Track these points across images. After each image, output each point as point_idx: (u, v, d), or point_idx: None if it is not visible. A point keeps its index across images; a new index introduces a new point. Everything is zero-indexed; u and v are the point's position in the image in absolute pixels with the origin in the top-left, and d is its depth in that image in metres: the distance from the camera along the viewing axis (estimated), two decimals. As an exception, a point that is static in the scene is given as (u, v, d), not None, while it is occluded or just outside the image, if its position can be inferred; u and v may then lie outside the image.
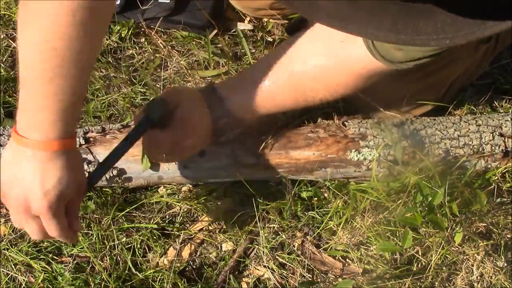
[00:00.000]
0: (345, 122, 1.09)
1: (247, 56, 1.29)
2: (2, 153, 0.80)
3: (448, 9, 0.48)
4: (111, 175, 1.05)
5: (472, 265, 1.05)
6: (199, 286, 1.06)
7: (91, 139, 1.07)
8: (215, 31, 1.31)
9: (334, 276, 1.07)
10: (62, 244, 1.09)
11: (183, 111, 0.95)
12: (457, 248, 1.05)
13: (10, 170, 0.78)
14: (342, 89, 0.96)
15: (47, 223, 0.80)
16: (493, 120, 1.09)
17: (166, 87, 1.24)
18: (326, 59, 0.93)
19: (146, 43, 1.32)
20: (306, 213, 1.11)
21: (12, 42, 1.31)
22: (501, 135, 1.08)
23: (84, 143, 1.06)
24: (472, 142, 1.07)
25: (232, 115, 1.00)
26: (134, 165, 1.07)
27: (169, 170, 1.07)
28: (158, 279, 1.05)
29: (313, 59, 0.94)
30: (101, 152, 1.06)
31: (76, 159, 0.81)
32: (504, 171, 1.10)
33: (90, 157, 1.06)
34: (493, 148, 1.07)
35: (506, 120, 1.09)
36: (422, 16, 0.49)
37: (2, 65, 1.29)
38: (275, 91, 0.98)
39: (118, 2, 1.32)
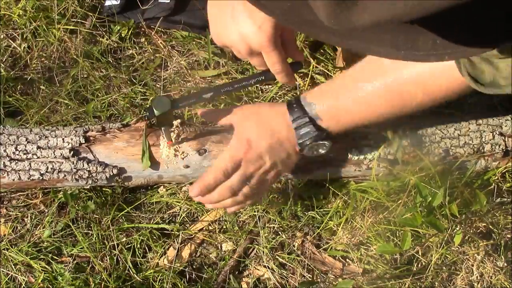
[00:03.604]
0: None
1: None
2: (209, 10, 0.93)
3: (444, 28, 0.49)
4: (111, 174, 1.05)
5: (472, 265, 1.05)
6: (199, 286, 1.06)
7: (91, 138, 1.07)
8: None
9: (334, 276, 1.07)
10: (62, 244, 1.09)
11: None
12: (457, 248, 1.05)
13: (220, 23, 0.90)
14: (443, 92, 0.89)
15: (268, 55, 0.89)
16: (493, 119, 1.09)
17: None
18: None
19: (146, 43, 1.32)
20: (306, 213, 1.11)
21: (12, 42, 1.31)
22: (501, 134, 1.08)
23: (84, 142, 1.06)
24: (472, 142, 1.07)
25: (319, 124, 0.95)
26: (134, 164, 1.07)
27: (169, 169, 1.07)
28: (158, 279, 1.05)
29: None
30: (101, 151, 1.06)
31: None
32: (504, 171, 1.10)
33: (90, 156, 1.06)
34: (493, 147, 1.07)
35: (506, 120, 1.09)
36: (421, 32, 0.50)
37: (2, 65, 1.29)
38: (369, 94, 0.91)
39: (118, 2, 1.32)
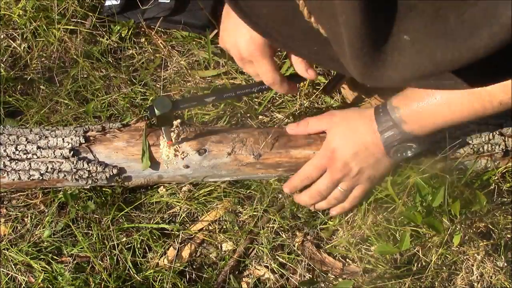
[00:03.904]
0: None
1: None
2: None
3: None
4: (111, 174, 1.05)
5: (472, 265, 1.05)
6: (199, 286, 1.06)
7: (91, 138, 1.07)
8: (215, 31, 1.31)
9: (334, 276, 1.07)
10: (62, 244, 1.09)
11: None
12: (457, 248, 1.05)
13: (224, 27, 0.95)
14: None
15: (258, 64, 0.92)
16: (493, 119, 1.09)
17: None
18: None
19: (146, 43, 1.32)
20: (306, 213, 1.11)
21: (12, 42, 1.31)
22: (501, 134, 1.08)
23: (84, 141, 1.06)
24: (472, 141, 1.07)
25: (403, 127, 0.96)
26: (134, 164, 1.07)
27: (169, 169, 1.07)
28: (158, 279, 1.05)
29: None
30: (101, 151, 1.06)
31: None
32: (504, 171, 1.10)
33: (90, 156, 1.06)
34: (493, 147, 1.07)
35: (506, 120, 1.09)
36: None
37: (2, 65, 1.29)
38: (450, 97, 0.92)
39: (118, 2, 1.32)
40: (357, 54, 0.46)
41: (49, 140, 1.06)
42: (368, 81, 0.48)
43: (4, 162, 1.05)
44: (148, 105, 1.03)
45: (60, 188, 1.11)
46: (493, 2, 0.42)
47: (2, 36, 1.33)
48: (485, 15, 0.43)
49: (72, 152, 1.05)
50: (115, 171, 1.05)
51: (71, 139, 1.06)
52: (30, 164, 1.05)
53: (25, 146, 1.05)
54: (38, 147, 1.05)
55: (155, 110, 0.95)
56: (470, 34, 0.43)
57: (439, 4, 0.43)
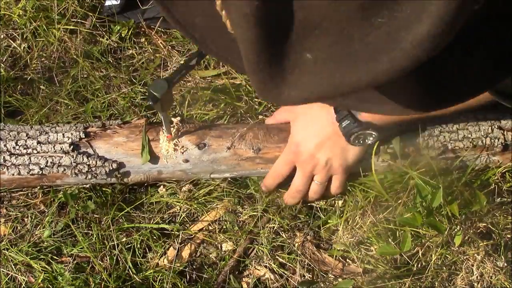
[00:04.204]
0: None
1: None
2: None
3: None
4: (110, 168, 1.05)
5: (472, 265, 1.05)
6: (199, 286, 1.06)
7: (91, 133, 1.08)
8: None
9: (334, 276, 1.07)
10: (62, 244, 1.09)
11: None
12: (457, 248, 1.05)
13: None
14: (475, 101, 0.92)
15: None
16: (492, 113, 1.09)
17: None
18: None
19: (146, 43, 1.32)
20: (306, 213, 1.11)
21: (12, 42, 1.31)
22: (500, 128, 1.08)
23: (84, 136, 1.06)
24: (471, 135, 1.07)
25: (358, 117, 0.97)
26: (133, 159, 1.07)
27: (169, 163, 1.07)
28: (158, 279, 1.05)
29: None
30: (101, 146, 1.06)
31: None
32: (504, 171, 1.10)
33: (90, 150, 1.06)
34: (492, 141, 1.07)
35: (505, 113, 1.09)
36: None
37: (2, 65, 1.29)
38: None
39: (118, 2, 1.32)
40: (254, 69, 0.44)
41: (49, 136, 1.06)
42: (267, 98, 0.47)
43: (4, 157, 1.05)
44: (146, 94, 1.03)
45: (60, 188, 1.11)
46: (396, 26, 0.40)
47: (2, 36, 1.33)
48: (387, 39, 0.41)
49: (72, 147, 1.05)
50: (114, 165, 1.05)
51: (71, 134, 1.06)
52: (30, 158, 1.05)
53: (25, 141, 1.05)
54: (38, 142, 1.05)
55: (155, 94, 0.94)
56: (371, 58, 0.42)
57: (344, 24, 0.41)
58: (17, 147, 1.05)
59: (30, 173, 1.05)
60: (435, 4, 0.38)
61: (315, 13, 0.41)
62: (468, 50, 0.50)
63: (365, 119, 0.97)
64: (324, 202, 1.12)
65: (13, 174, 1.05)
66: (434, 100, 0.54)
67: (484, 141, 1.07)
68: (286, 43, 0.43)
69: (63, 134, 1.06)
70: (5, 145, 1.05)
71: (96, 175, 1.06)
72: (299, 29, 0.42)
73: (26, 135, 1.06)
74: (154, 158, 1.07)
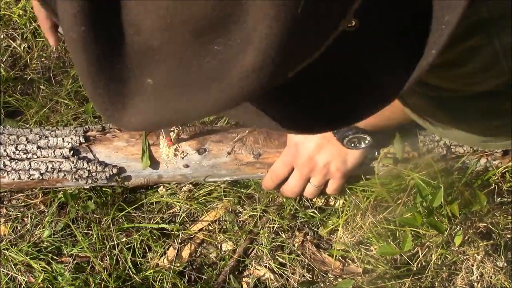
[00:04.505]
0: None
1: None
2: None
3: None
4: (111, 173, 1.05)
5: (472, 265, 1.05)
6: (199, 286, 1.06)
7: (91, 137, 1.07)
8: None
9: (334, 276, 1.07)
10: (62, 244, 1.09)
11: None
12: (457, 248, 1.05)
13: None
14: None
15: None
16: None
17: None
18: None
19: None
20: (306, 213, 1.11)
21: (12, 42, 1.31)
22: None
23: (84, 141, 1.06)
24: (472, 141, 1.07)
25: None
26: (134, 163, 1.07)
27: (169, 168, 1.07)
28: (158, 279, 1.05)
29: None
30: (101, 151, 1.06)
31: None
32: (504, 171, 1.10)
33: (90, 155, 1.06)
34: (493, 146, 1.07)
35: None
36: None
37: (2, 65, 1.29)
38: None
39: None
40: (92, 95, 0.42)
41: (49, 140, 1.06)
42: (112, 123, 0.45)
43: (4, 162, 1.05)
44: None
45: (60, 188, 1.11)
46: (230, 55, 0.38)
47: (2, 36, 1.33)
48: (221, 69, 0.39)
49: (72, 152, 1.05)
50: (115, 170, 1.05)
51: (71, 138, 1.06)
52: (30, 163, 1.05)
53: (25, 146, 1.05)
54: (38, 147, 1.05)
55: None
56: (205, 87, 0.40)
57: (182, 51, 0.39)
58: (17, 151, 1.05)
59: (31, 178, 1.05)
60: (258, 36, 0.36)
61: (152, 39, 0.39)
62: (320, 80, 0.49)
63: (357, 124, 0.96)
64: (324, 203, 1.12)
65: (13, 179, 1.05)
66: (307, 122, 0.52)
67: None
68: (124, 69, 0.41)
69: (63, 139, 1.06)
70: (5, 150, 1.05)
71: (96, 180, 1.06)
72: (139, 54, 0.40)
73: (26, 139, 1.06)
74: (154, 163, 1.07)
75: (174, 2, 0.37)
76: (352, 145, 1.00)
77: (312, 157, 1.02)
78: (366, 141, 0.99)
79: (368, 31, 0.46)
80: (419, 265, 1.05)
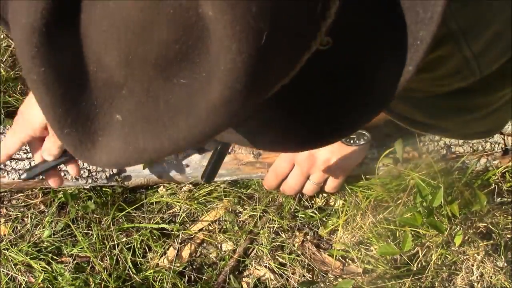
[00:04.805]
0: None
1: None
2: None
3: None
4: (111, 173, 1.05)
5: (472, 265, 1.05)
6: (199, 286, 1.06)
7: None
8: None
9: (334, 276, 1.07)
10: (62, 244, 1.09)
11: None
12: (457, 248, 1.06)
13: None
14: None
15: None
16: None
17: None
18: None
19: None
20: (306, 213, 1.11)
21: (12, 42, 1.31)
22: (500, 133, 1.08)
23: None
24: (472, 140, 1.07)
25: None
26: (134, 164, 1.07)
27: (169, 168, 1.07)
28: (158, 279, 1.05)
29: None
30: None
31: None
32: (504, 171, 1.10)
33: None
34: (492, 146, 1.07)
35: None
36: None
37: (2, 65, 1.29)
38: None
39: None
40: (59, 134, 0.41)
41: (49, 140, 1.06)
42: (84, 161, 0.44)
43: (4, 162, 1.05)
44: None
45: (60, 188, 1.11)
46: (196, 88, 0.37)
47: (2, 36, 1.33)
48: (188, 103, 0.37)
49: (72, 152, 1.05)
50: (115, 170, 1.05)
51: (71, 138, 1.06)
52: (30, 163, 1.05)
53: (26, 146, 1.05)
54: (38, 147, 1.05)
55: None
56: (172, 122, 0.38)
57: (148, 85, 0.38)
58: (17, 151, 1.05)
59: (31, 177, 1.05)
60: (222, 70, 0.35)
61: (116, 75, 0.38)
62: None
63: None
64: (324, 203, 1.12)
65: (13, 179, 1.05)
66: (295, 140, 0.51)
67: (484, 146, 1.07)
68: (91, 105, 0.40)
69: None
70: None
71: (96, 179, 1.06)
72: (104, 90, 0.39)
73: (26, 139, 1.06)
74: (154, 163, 1.07)
75: (133, 38, 0.36)
76: (352, 141, 1.00)
77: (312, 154, 1.03)
78: (365, 137, 1.00)
79: (345, 47, 0.44)
80: (419, 265, 1.05)
